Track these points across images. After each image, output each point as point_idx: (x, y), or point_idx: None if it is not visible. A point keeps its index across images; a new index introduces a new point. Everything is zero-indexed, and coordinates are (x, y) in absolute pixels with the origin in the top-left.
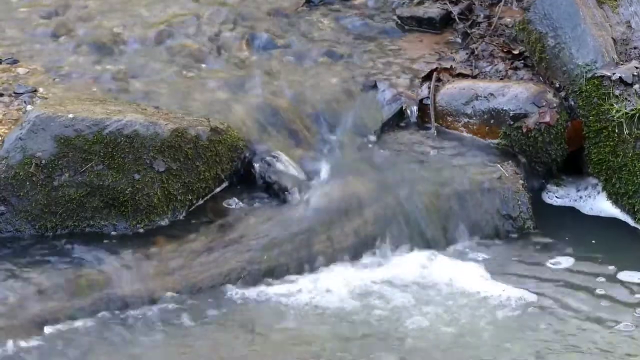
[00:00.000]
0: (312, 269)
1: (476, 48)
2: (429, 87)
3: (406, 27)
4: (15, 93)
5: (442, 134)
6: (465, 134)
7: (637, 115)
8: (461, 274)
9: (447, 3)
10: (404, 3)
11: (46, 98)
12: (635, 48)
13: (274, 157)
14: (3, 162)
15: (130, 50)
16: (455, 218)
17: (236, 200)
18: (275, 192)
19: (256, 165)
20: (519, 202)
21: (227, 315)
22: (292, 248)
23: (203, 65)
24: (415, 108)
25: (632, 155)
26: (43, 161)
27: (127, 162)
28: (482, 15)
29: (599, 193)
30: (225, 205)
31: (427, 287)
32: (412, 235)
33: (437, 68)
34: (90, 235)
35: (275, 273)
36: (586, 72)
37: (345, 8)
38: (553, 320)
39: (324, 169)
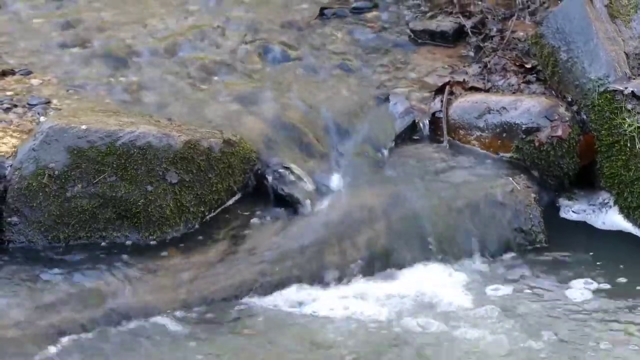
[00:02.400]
0: (324, 281)
1: (489, 62)
2: (442, 101)
3: (419, 41)
4: (28, 104)
5: (454, 147)
6: (477, 147)
7: None
8: (471, 289)
9: (460, 17)
10: (416, 17)
11: (59, 109)
12: None
13: (286, 169)
14: (16, 173)
15: (143, 62)
16: (467, 231)
17: (248, 212)
18: (288, 204)
19: (268, 177)
20: (531, 216)
21: (239, 327)
22: (303, 260)
23: (216, 78)
24: (427, 121)
25: None
26: (56, 172)
27: (140, 174)
28: (494, 29)
29: (611, 207)
30: (238, 217)
31: (438, 302)
32: (423, 249)
33: (449, 81)
34: (102, 247)
35: (287, 285)
36: (598, 86)
37: (358, 21)
38: (561, 336)
39: (336, 182)
